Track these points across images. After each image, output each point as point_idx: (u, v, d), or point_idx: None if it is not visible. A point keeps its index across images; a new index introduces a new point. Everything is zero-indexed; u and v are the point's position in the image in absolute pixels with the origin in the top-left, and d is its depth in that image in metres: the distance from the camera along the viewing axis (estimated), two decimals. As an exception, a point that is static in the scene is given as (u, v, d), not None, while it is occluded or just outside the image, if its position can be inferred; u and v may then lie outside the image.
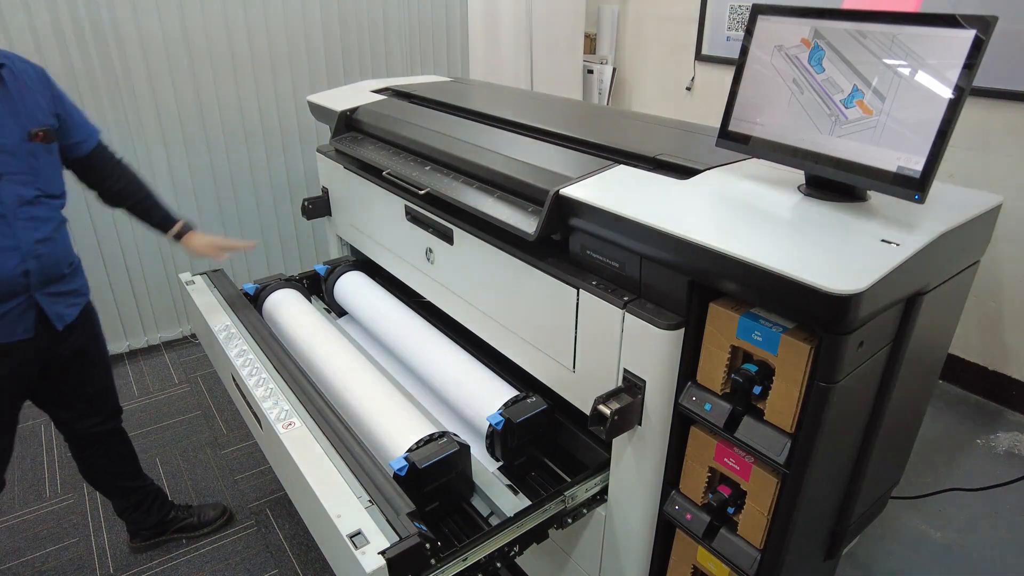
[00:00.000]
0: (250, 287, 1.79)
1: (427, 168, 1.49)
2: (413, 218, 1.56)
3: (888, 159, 0.83)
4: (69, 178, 2.28)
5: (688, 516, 1.13)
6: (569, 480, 1.28)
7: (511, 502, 1.23)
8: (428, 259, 1.55)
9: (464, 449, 1.18)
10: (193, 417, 2.30)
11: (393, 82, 2.06)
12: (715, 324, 0.98)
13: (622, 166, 1.17)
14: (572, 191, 1.09)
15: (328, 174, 1.96)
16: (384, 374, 1.45)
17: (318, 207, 2.03)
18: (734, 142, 1.04)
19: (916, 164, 0.80)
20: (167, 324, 2.70)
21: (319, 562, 1.72)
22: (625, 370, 1.07)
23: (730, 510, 1.08)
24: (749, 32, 1.00)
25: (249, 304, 1.65)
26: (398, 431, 1.20)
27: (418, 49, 2.89)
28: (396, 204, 1.60)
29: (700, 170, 1.10)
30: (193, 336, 2.78)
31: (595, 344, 1.12)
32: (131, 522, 1.74)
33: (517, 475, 1.30)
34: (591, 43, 3.52)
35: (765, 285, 0.82)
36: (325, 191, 2.02)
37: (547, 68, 3.22)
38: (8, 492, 1.95)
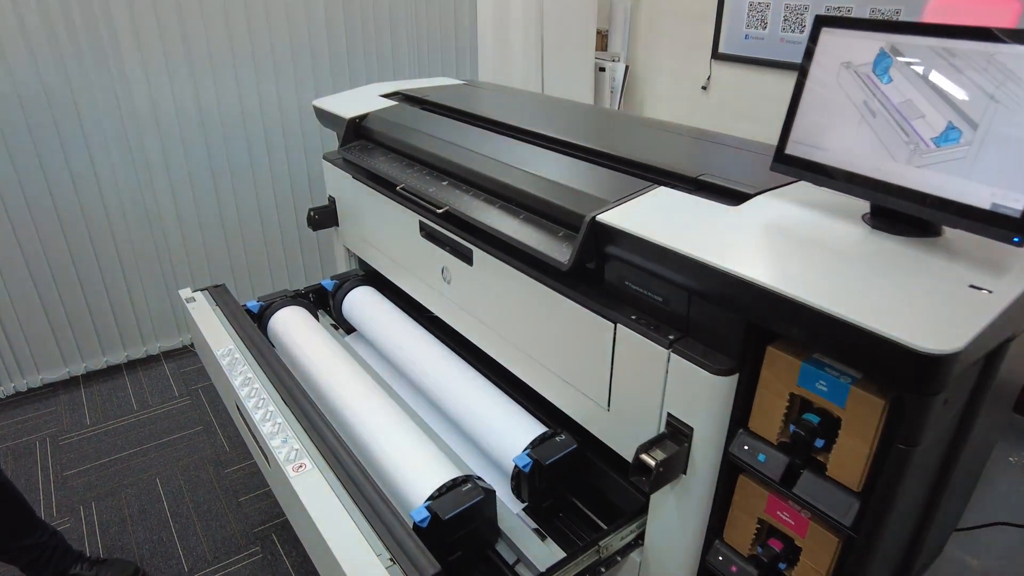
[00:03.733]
0: (254, 304, 1.69)
1: (444, 183, 1.39)
2: (428, 235, 1.46)
3: (980, 195, 0.74)
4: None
5: (733, 568, 1.04)
6: (602, 525, 1.20)
7: (539, 549, 1.15)
8: (444, 278, 1.46)
9: (490, 495, 1.09)
10: (194, 433, 2.21)
11: (403, 86, 1.96)
12: (773, 370, 0.89)
13: (662, 188, 1.08)
14: (610, 218, 1.00)
15: (335, 183, 1.87)
16: (399, 403, 1.36)
17: (325, 217, 1.93)
18: (791, 167, 0.94)
19: (1015, 202, 0.71)
20: (166, 333, 2.61)
21: (328, 594, 1.64)
22: (669, 414, 0.99)
23: (780, 565, 0.99)
24: (811, 47, 0.90)
25: (253, 324, 1.56)
26: (417, 475, 1.12)
27: (425, 47, 2.78)
28: (410, 219, 1.51)
29: (751, 195, 1.01)
30: (192, 346, 2.69)
31: (634, 383, 1.03)
32: (28, 574, 1.55)
33: (544, 517, 1.21)
34: (603, 40, 3.41)
35: (841, 337, 0.73)
36: (332, 200, 1.93)
37: (558, 66, 3.11)
38: (1, 516, 1.86)
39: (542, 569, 1.11)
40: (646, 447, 0.97)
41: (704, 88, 3.11)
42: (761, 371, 0.91)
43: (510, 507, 1.22)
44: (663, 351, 0.95)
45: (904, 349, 0.68)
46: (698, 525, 1.04)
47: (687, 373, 0.93)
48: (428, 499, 1.06)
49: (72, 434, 2.20)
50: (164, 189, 2.37)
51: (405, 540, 0.96)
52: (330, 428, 1.19)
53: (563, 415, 1.22)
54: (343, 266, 2.04)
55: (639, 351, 0.99)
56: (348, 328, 1.88)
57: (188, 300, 1.66)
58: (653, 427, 1.02)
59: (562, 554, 1.14)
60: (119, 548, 1.76)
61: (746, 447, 0.94)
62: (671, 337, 0.95)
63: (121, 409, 2.33)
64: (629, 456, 1.09)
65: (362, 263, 1.97)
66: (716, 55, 3.01)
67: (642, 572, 1.16)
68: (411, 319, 1.66)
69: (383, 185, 1.59)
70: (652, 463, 0.94)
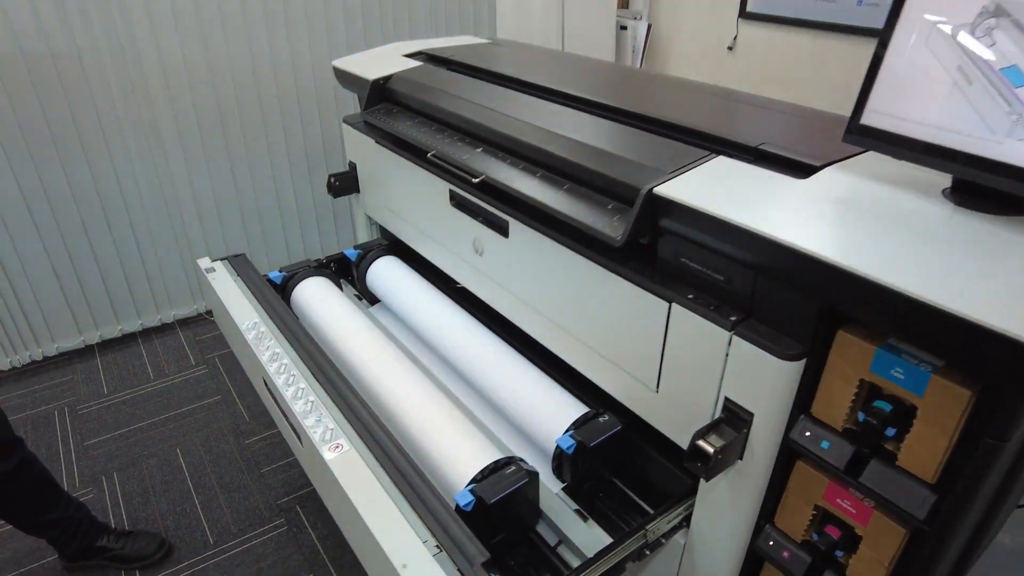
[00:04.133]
0: (276, 275, 1.64)
1: (478, 150, 1.33)
2: (459, 204, 1.40)
3: (1093, 172, 0.68)
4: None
5: (785, 554, 1.01)
6: (644, 506, 1.17)
7: (581, 530, 1.12)
8: (475, 249, 1.40)
9: (534, 478, 1.06)
10: (213, 403, 2.19)
11: (427, 45, 1.87)
12: (843, 354, 0.84)
13: (721, 158, 1.01)
14: (668, 190, 0.93)
15: (356, 148, 1.80)
16: (433, 380, 1.32)
17: (345, 184, 1.87)
18: (868, 139, 0.88)
19: None
20: (180, 301, 2.56)
21: (356, 567, 1.63)
22: (727, 399, 0.94)
23: (837, 553, 0.96)
24: (896, 6, 0.82)
25: (277, 296, 1.52)
26: (458, 456, 1.08)
27: (442, 3, 2.66)
28: (439, 187, 1.44)
29: (817, 167, 0.94)
30: (208, 313, 2.65)
31: (688, 365, 0.98)
32: (55, 547, 1.57)
33: (584, 498, 1.18)
34: (624, -3, 3.28)
35: (927, 323, 0.68)
36: (352, 166, 1.86)
37: (578, 24, 2.99)
38: (23, 486, 1.85)
39: (585, 551, 1.09)
40: (703, 433, 0.93)
41: (730, 49, 2.99)
42: (829, 355, 0.86)
43: (549, 487, 1.19)
44: (724, 333, 0.90)
45: (1004, 339, 0.63)
46: (750, 510, 1.01)
47: (750, 357, 0.88)
48: (471, 482, 1.03)
49: (90, 403, 2.18)
50: (176, 154, 2.30)
51: (451, 526, 0.93)
52: (365, 407, 1.15)
53: (605, 395, 1.18)
54: (363, 235, 1.98)
55: (696, 333, 0.94)
56: (372, 299, 1.83)
57: (208, 270, 1.61)
58: (706, 411, 0.98)
59: (605, 536, 1.12)
60: (143, 519, 1.75)
61: (808, 433, 0.90)
62: (733, 319, 0.90)
63: (138, 378, 2.30)
64: (678, 439, 1.06)
65: (384, 232, 1.91)
66: (744, 13, 2.88)
67: (686, 554, 1.13)
68: (440, 292, 1.61)
69: (410, 151, 1.52)
70: (711, 451, 0.90)
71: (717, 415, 0.97)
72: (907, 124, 0.83)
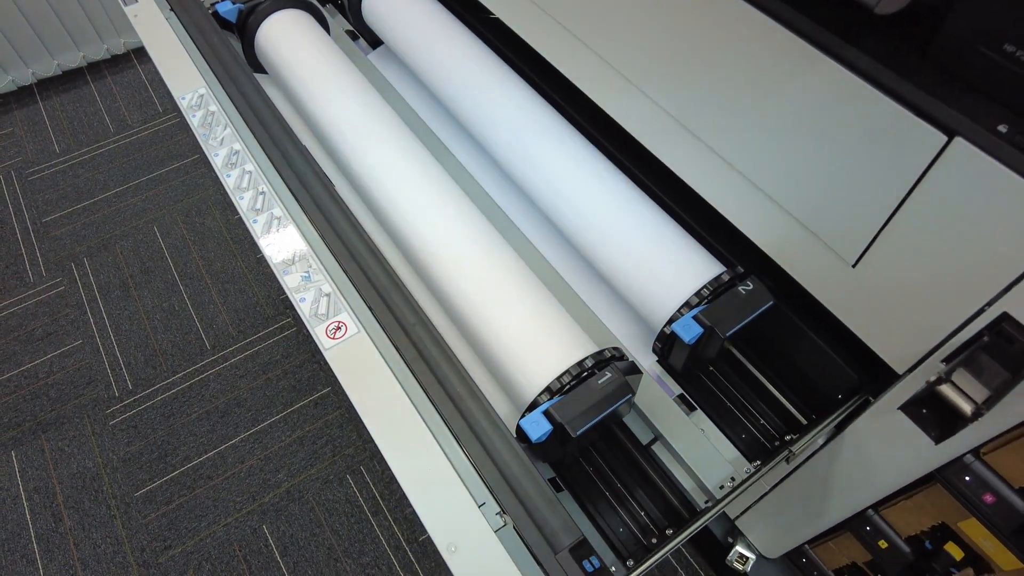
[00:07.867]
0: (228, 8, 1.10)
1: None
2: None
3: None
4: None
5: (989, 498, 0.71)
6: (773, 391, 0.84)
7: (682, 424, 0.81)
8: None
9: (635, 378, 0.71)
10: (191, 164, 1.78)
11: None
12: None
13: None
14: None
15: None
16: (473, 193, 0.89)
17: None
18: None
19: None
20: (130, 26, 1.97)
21: (380, 382, 1.40)
22: (1007, 316, 0.53)
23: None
24: None
25: (232, 46, 1.02)
26: (525, 348, 0.72)
27: None
28: None
29: None
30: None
31: (937, 244, 0.56)
32: None
33: (687, 374, 0.85)
34: None
35: None
36: None
37: None
38: (-20, 272, 1.56)
39: (688, 457, 0.79)
40: (948, 372, 0.54)
41: None
42: None
43: (639, 360, 0.85)
44: (1071, 216, 0.46)
45: None
46: (962, 443, 0.68)
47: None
48: (544, 390, 0.68)
49: (41, 166, 1.78)
50: None
51: (521, 479, 0.61)
52: (378, 258, 0.76)
53: (733, 234, 0.77)
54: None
55: (995, 196, 0.50)
56: (373, 39, 1.29)
57: (128, 2, 1.08)
58: (944, 318, 0.58)
59: (718, 433, 0.82)
60: (127, 318, 1.49)
61: None
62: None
63: (95, 131, 1.86)
64: (871, 339, 0.68)
65: (385, -67, 1.27)
66: None
67: (822, 457, 0.84)
68: (481, 42, 1.07)
69: None
70: (967, 411, 0.53)
71: (966, 330, 0.57)
72: None
